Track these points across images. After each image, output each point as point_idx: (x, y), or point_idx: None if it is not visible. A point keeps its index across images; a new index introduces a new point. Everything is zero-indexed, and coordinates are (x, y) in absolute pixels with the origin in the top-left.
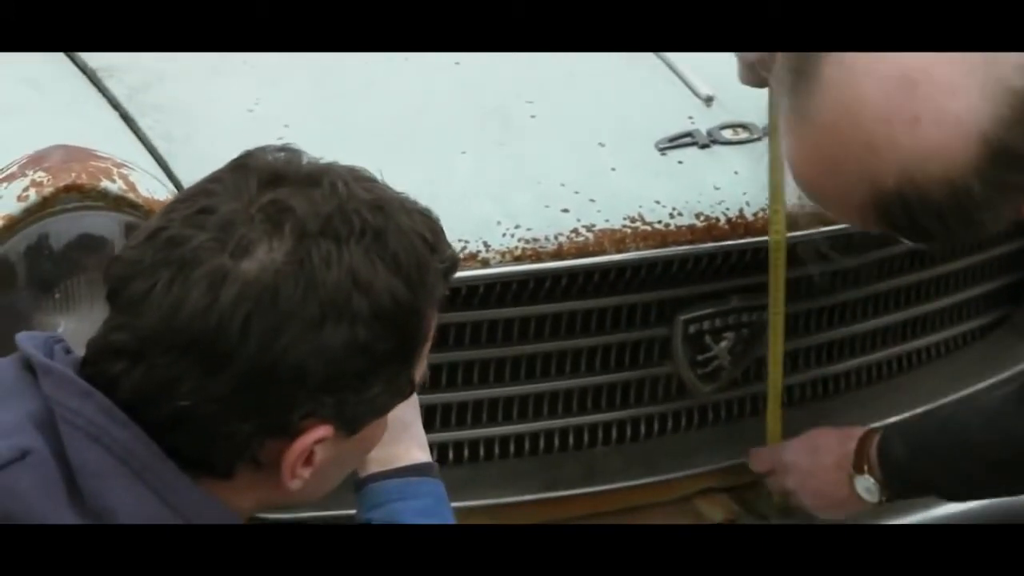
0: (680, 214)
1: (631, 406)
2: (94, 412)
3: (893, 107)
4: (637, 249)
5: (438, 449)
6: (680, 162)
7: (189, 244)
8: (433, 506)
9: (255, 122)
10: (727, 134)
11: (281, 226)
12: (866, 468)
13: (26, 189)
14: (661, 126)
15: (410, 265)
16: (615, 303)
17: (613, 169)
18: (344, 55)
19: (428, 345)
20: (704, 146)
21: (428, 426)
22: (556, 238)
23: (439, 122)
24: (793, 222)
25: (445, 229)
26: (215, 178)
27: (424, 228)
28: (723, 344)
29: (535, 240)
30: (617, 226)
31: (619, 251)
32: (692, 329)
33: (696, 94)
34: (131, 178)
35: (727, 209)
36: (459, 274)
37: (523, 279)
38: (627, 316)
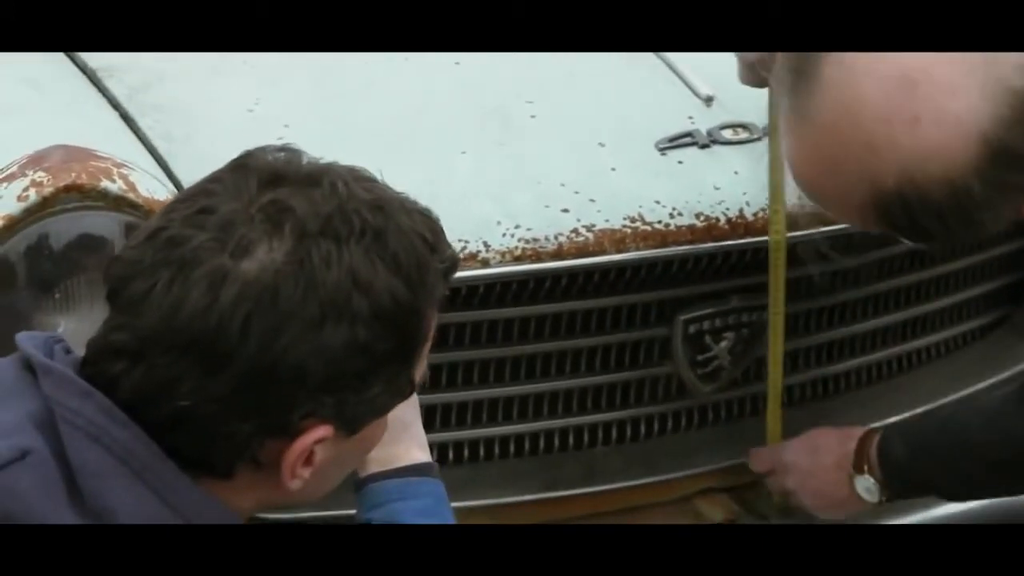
0: (680, 214)
1: (631, 406)
2: (94, 412)
3: (893, 107)
4: (637, 249)
5: (438, 449)
6: (680, 162)
7: (189, 244)
8: (433, 506)
9: (255, 122)
10: (727, 134)
11: (281, 226)
12: (866, 468)
13: (26, 189)
14: (661, 126)
15: (410, 265)
16: (615, 303)
17: (613, 169)
18: (344, 55)
19: (428, 345)
20: (704, 146)
21: (428, 426)
22: (556, 238)
23: (439, 122)
24: (793, 222)
25: (445, 229)
26: (215, 178)
27: (424, 228)
28: (723, 344)
29: (535, 240)
30: (617, 226)
31: (619, 251)
32: (692, 329)
33: (696, 94)
34: (131, 178)
35: (727, 209)
36: (459, 274)
37: (523, 279)
38: (627, 316)
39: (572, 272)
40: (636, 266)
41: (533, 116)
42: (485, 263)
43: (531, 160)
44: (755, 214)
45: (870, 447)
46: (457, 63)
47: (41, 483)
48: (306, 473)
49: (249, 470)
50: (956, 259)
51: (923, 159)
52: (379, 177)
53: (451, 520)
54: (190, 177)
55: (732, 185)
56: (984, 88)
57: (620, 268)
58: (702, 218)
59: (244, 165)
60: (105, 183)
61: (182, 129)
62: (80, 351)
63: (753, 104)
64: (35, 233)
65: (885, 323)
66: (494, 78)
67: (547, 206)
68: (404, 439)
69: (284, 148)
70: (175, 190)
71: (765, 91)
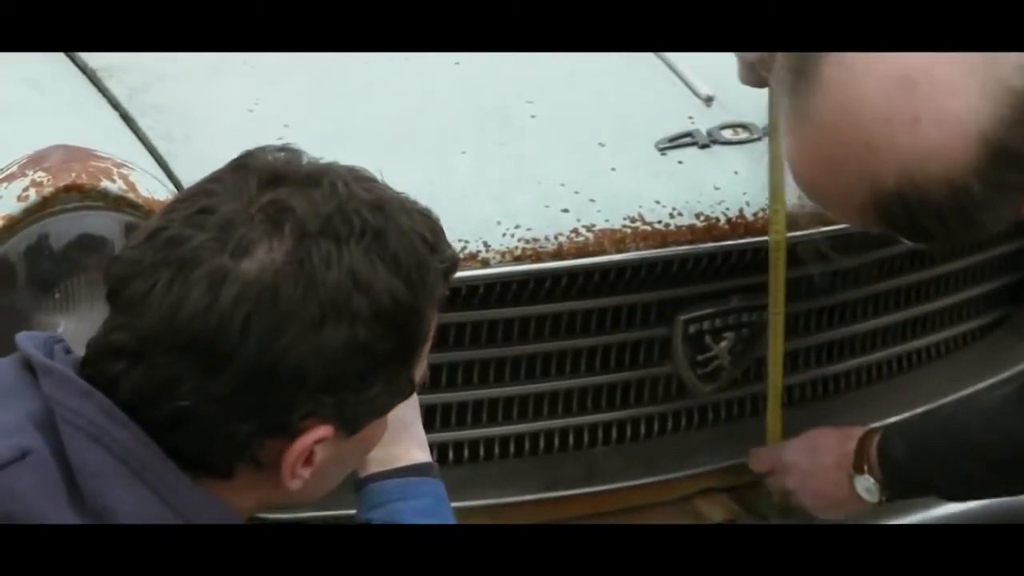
0: (680, 214)
1: (631, 406)
2: (94, 412)
3: (893, 107)
4: (637, 249)
5: (438, 449)
6: (680, 162)
7: (189, 244)
8: (433, 506)
9: (255, 122)
10: (727, 134)
11: (281, 226)
12: (866, 468)
13: (26, 189)
14: (661, 126)
15: (410, 265)
16: (615, 303)
17: (613, 169)
18: (344, 55)
19: (428, 345)
20: (704, 146)
21: (428, 426)
22: (556, 238)
23: (439, 122)
24: (793, 222)
25: (445, 229)
26: (215, 178)
27: (424, 228)
28: (723, 344)
29: (535, 240)
30: (617, 226)
31: (619, 251)
32: (692, 329)
33: (696, 94)
34: (131, 178)
35: (727, 209)
36: (459, 274)
37: (523, 279)
38: (627, 316)
39: (572, 272)
40: (636, 266)
41: (533, 116)
42: (485, 263)
43: (531, 160)
44: (755, 214)
45: (870, 447)
46: (457, 63)
47: (41, 483)
48: (306, 473)
49: (249, 470)
50: (956, 259)
51: (923, 159)
52: (379, 177)
53: (451, 520)
54: (190, 177)
55: (732, 185)
56: (984, 88)
57: (620, 268)
58: (702, 218)
59: (244, 165)
60: (105, 183)
61: (182, 129)
62: (80, 351)
63: (753, 104)
64: (35, 233)
65: (885, 323)
66: (494, 78)
67: (547, 206)
68: (404, 439)
69: (284, 148)
70: (175, 190)
71: (765, 91)
